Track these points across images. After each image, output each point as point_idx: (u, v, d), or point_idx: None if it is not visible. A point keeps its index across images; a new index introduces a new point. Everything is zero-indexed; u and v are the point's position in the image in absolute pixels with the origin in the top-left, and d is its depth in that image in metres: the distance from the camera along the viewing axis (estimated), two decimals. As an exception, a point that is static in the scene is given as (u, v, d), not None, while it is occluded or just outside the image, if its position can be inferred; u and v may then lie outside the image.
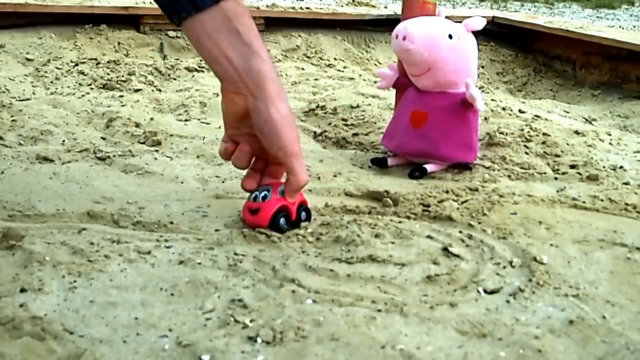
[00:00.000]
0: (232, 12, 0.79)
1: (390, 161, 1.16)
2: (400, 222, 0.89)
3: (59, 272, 0.71)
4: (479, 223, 0.89)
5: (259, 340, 0.60)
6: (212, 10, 0.79)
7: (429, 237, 0.84)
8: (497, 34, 2.59)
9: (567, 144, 1.26)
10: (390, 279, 0.73)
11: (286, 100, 0.82)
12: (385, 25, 2.51)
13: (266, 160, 0.90)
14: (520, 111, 1.51)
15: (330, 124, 1.43)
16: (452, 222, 0.90)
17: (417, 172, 1.10)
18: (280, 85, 0.82)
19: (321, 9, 2.64)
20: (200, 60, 2.18)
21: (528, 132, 1.29)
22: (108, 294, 0.68)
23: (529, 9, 6.74)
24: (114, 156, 1.13)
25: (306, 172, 0.84)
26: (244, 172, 1.09)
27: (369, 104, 1.55)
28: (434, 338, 0.62)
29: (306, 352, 0.59)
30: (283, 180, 0.87)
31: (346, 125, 1.42)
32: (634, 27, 5.07)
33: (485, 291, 0.71)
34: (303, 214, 0.87)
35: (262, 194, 0.85)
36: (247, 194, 0.98)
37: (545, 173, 1.13)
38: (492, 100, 1.62)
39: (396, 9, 2.65)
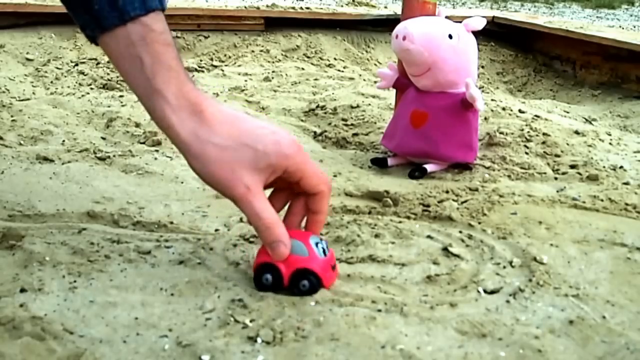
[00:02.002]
0: (138, 36, 0.66)
1: (390, 161, 1.16)
2: (400, 222, 0.89)
3: (59, 272, 0.71)
4: (479, 223, 0.89)
5: (259, 340, 0.60)
6: (115, 32, 0.66)
7: (429, 237, 0.84)
8: (497, 34, 2.59)
9: (567, 144, 1.26)
10: (390, 279, 0.73)
11: (205, 132, 0.66)
12: (385, 25, 2.51)
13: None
14: (520, 111, 1.51)
15: (330, 124, 1.43)
16: (452, 222, 0.90)
17: (417, 172, 1.10)
18: (194, 121, 0.66)
19: (321, 9, 2.65)
20: (201, 60, 2.18)
21: (528, 132, 1.29)
22: (108, 294, 0.68)
23: (529, 9, 6.74)
24: (114, 156, 1.13)
25: (266, 209, 0.67)
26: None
27: (369, 104, 1.55)
28: (434, 338, 0.62)
29: (306, 352, 0.59)
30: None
31: (346, 125, 1.41)
32: (634, 27, 5.07)
33: (485, 291, 0.71)
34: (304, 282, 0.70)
35: (323, 244, 0.71)
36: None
37: (545, 173, 1.13)
38: (492, 100, 1.62)
39: (396, 9, 2.65)
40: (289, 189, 0.72)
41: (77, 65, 1.92)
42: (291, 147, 0.67)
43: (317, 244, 0.69)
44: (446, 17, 1.14)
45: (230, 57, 2.28)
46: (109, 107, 1.50)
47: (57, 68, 1.90)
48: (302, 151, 0.69)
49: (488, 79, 2.35)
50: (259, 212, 0.66)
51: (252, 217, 0.66)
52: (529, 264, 0.77)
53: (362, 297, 0.69)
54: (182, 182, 1.03)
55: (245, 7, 2.52)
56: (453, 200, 0.98)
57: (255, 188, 0.66)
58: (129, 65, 0.67)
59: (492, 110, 1.48)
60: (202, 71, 2.03)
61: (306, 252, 0.68)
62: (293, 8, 2.54)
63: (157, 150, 1.19)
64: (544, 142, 1.25)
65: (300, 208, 0.73)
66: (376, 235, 0.83)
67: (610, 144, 1.32)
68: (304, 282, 0.68)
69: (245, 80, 1.92)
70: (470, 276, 0.74)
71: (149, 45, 0.66)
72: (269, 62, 2.26)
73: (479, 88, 1.44)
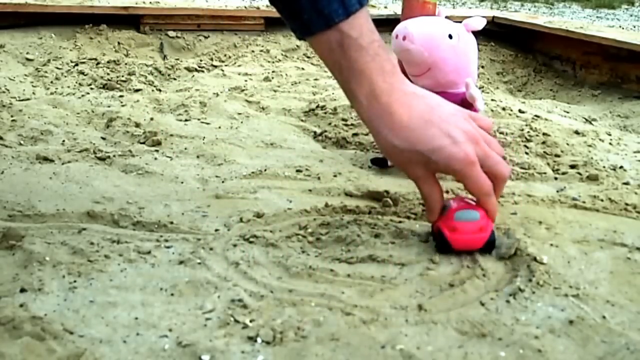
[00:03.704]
0: (336, 43, 0.76)
1: (390, 161, 1.16)
2: (400, 222, 0.89)
3: (59, 272, 0.71)
4: (479, 223, 0.89)
5: (259, 340, 0.60)
6: (318, 37, 0.77)
7: (429, 237, 0.84)
8: (497, 34, 2.59)
9: (567, 144, 1.26)
10: (390, 279, 0.73)
11: (388, 134, 0.77)
12: (385, 25, 2.49)
13: None
14: (520, 111, 1.51)
15: (330, 124, 1.43)
16: (452, 222, 0.90)
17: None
18: (379, 123, 0.78)
19: (321, 9, 2.64)
20: (201, 60, 2.18)
21: (528, 132, 1.29)
22: (108, 294, 0.68)
23: (529, 9, 6.74)
24: (114, 156, 1.13)
25: (433, 191, 0.81)
26: (244, 172, 1.09)
27: (369, 104, 1.55)
28: (434, 338, 0.62)
29: (306, 352, 0.59)
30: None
31: (346, 125, 1.41)
32: (634, 27, 5.07)
33: (485, 291, 0.71)
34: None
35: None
36: (248, 194, 0.98)
37: (545, 173, 1.13)
38: (492, 100, 1.62)
39: (396, 9, 2.65)
40: None
41: (77, 65, 1.92)
42: (460, 164, 0.76)
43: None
44: (446, 17, 1.14)
45: (230, 57, 2.28)
46: (109, 107, 1.50)
47: (57, 68, 1.90)
48: (473, 165, 0.77)
49: (488, 79, 2.35)
50: (426, 196, 0.81)
51: (422, 197, 0.81)
52: (529, 264, 0.77)
53: (361, 296, 0.69)
54: (182, 182, 1.03)
55: (245, 7, 2.53)
56: (453, 200, 0.98)
57: (425, 176, 0.79)
58: (331, 67, 0.79)
59: (492, 110, 1.48)
60: (202, 71, 2.03)
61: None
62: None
63: (157, 150, 1.19)
64: (544, 142, 1.25)
65: None
66: (376, 235, 0.83)
67: (610, 144, 1.32)
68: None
69: (245, 80, 1.92)
70: (470, 276, 0.74)
71: (345, 51, 0.76)
72: (269, 62, 2.26)
73: (479, 88, 1.44)
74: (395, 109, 0.77)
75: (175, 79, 1.93)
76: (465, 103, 1.07)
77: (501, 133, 1.27)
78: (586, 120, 1.69)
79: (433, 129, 0.77)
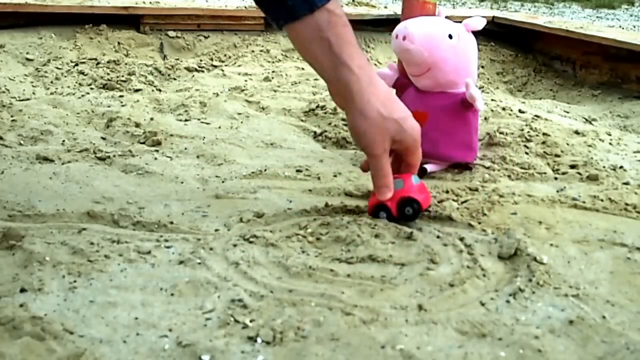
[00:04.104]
0: (325, 21, 0.82)
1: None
2: (400, 222, 0.89)
3: (59, 272, 0.71)
4: (479, 223, 0.89)
5: (259, 340, 0.60)
6: (306, 19, 0.82)
7: (429, 237, 0.84)
8: (497, 34, 2.59)
9: (567, 144, 1.26)
10: (390, 278, 0.73)
11: (375, 101, 0.84)
12: (385, 25, 2.51)
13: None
14: (520, 111, 1.51)
15: (330, 124, 1.43)
16: (452, 222, 0.90)
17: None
18: (371, 90, 0.84)
19: (321, 9, 2.64)
20: (201, 60, 2.18)
21: (528, 132, 1.29)
22: (108, 294, 0.68)
23: (529, 9, 6.74)
24: (114, 156, 1.13)
25: (386, 170, 0.86)
26: (244, 172, 1.09)
27: (369, 104, 1.55)
28: (434, 338, 0.62)
29: (306, 352, 0.59)
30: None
31: (346, 125, 1.41)
32: (634, 27, 5.07)
33: (485, 291, 0.71)
34: (408, 209, 0.88)
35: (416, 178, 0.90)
36: (248, 194, 0.98)
37: (545, 173, 1.13)
38: (492, 100, 1.62)
39: (396, 9, 2.65)
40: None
41: (77, 65, 1.92)
42: (419, 134, 0.88)
43: (414, 178, 0.89)
44: (446, 17, 1.14)
45: (230, 57, 2.28)
46: (109, 107, 1.50)
47: (57, 68, 1.90)
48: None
49: (488, 79, 2.35)
50: (384, 169, 0.86)
51: (377, 171, 0.86)
52: (529, 264, 0.77)
53: (361, 296, 0.69)
54: (182, 182, 1.03)
55: (245, 7, 2.52)
56: (453, 200, 0.98)
57: (386, 152, 0.86)
58: (318, 45, 0.83)
59: (492, 110, 1.48)
60: (202, 71, 2.02)
61: (402, 184, 0.87)
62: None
63: (157, 150, 1.19)
64: (544, 142, 1.25)
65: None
66: (376, 235, 0.83)
67: (610, 144, 1.32)
68: (407, 209, 0.87)
69: (245, 80, 1.92)
70: (469, 276, 0.74)
71: (334, 27, 0.82)
72: (269, 62, 2.26)
73: (479, 88, 1.44)
74: (377, 80, 0.86)
75: (175, 79, 1.93)
76: (465, 103, 1.07)
77: (501, 133, 1.27)
78: (586, 120, 1.69)
79: (398, 102, 0.88)
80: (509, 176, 1.11)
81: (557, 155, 1.21)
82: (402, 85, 1.19)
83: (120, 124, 1.35)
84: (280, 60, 2.28)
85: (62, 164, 1.09)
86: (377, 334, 0.62)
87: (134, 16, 2.31)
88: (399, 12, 1.26)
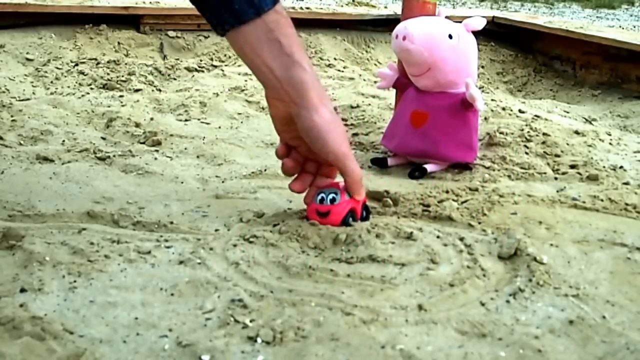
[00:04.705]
0: (274, 23, 0.81)
1: (390, 161, 1.16)
2: (400, 222, 0.89)
3: (59, 272, 0.71)
4: (479, 223, 0.89)
5: (259, 340, 0.60)
6: (254, 22, 0.80)
7: (429, 237, 0.84)
8: (497, 34, 2.59)
9: (567, 144, 1.26)
10: (390, 279, 0.73)
11: (329, 104, 0.84)
12: (385, 25, 2.51)
13: (318, 162, 0.90)
14: (520, 111, 1.51)
15: (330, 124, 1.43)
16: (452, 222, 0.90)
17: (417, 172, 1.10)
18: (322, 91, 0.84)
19: (321, 9, 2.64)
20: (201, 60, 2.18)
21: (528, 132, 1.29)
22: (108, 294, 0.68)
23: (529, 9, 6.74)
24: (114, 156, 1.13)
25: (358, 166, 0.86)
26: (244, 172, 1.09)
27: (369, 104, 1.55)
28: (434, 338, 0.62)
29: (306, 352, 0.59)
30: (339, 179, 0.88)
31: (346, 125, 1.41)
32: (634, 27, 5.07)
33: (485, 291, 0.71)
34: (364, 212, 0.88)
35: (330, 196, 0.86)
36: (248, 194, 0.98)
37: (545, 173, 1.13)
38: (492, 100, 1.62)
39: (396, 9, 2.65)
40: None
41: (77, 65, 1.92)
42: None
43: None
44: (446, 17, 1.14)
45: (230, 57, 2.28)
46: (109, 107, 1.50)
47: (57, 68, 1.90)
48: None
49: (488, 79, 2.35)
50: (355, 167, 0.85)
51: (349, 169, 0.85)
52: (529, 264, 0.77)
53: (361, 296, 0.69)
54: (182, 182, 1.03)
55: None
56: (453, 200, 0.98)
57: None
58: (268, 47, 0.81)
59: (492, 110, 1.48)
60: (202, 71, 2.02)
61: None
62: (293, 8, 2.54)
63: (157, 150, 1.19)
64: (544, 142, 1.25)
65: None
66: (376, 235, 0.83)
67: (610, 144, 1.32)
68: (363, 212, 0.88)
69: (245, 80, 1.92)
70: (470, 276, 0.74)
71: (283, 28, 0.81)
72: (269, 62, 2.25)
73: (479, 88, 1.44)
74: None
75: (175, 79, 1.92)
76: (465, 103, 1.07)
77: (501, 133, 1.27)
78: (586, 120, 1.69)
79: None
80: (509, 176, 1.11)
81: (557, 155, 1.21)
82: (402, 85, 1.19)
83: (120, 124, 1.35)
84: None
85: (62, 164, 1.09)
86: (377, 334, 0.62)
87: (134, 16, 2.31)
88: (399, 12, 1.26)
